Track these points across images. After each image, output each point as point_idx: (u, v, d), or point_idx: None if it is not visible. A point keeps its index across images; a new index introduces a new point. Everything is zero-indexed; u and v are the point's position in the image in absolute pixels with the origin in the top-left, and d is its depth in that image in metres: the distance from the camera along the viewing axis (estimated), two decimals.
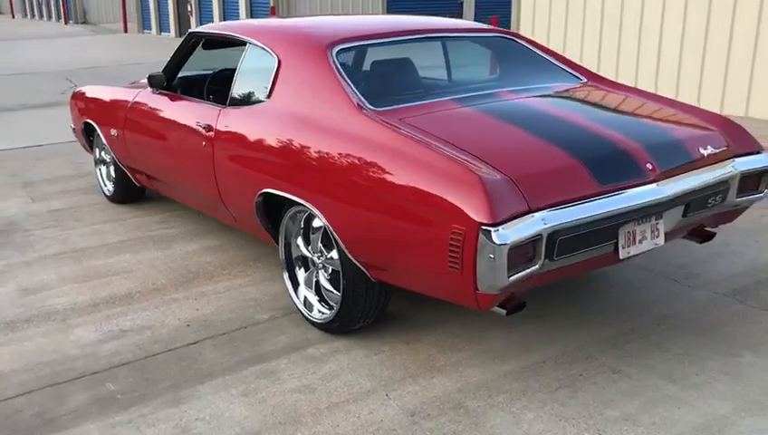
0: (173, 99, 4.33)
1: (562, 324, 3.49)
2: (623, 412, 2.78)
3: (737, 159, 3.24)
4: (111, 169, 5.38)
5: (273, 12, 16.33)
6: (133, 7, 25.21)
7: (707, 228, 3.47)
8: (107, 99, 5.12)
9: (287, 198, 3.29)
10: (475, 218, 2.45)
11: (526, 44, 4.00)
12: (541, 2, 10.72)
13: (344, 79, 3.20)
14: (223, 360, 3.22)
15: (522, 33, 11.02)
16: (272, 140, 3.36)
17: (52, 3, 35.57)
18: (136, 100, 4.68)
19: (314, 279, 3.44)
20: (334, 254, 3.20)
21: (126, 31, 26.07)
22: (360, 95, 3.14)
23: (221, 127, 3.73)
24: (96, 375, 3.10)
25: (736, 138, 3.34)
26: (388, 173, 2.78)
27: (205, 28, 4.32)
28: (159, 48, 19.06)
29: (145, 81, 4.61)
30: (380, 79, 3.69)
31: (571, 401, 2.86)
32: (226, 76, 4.17)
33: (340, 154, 2.98)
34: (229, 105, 3.79)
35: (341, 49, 3.41)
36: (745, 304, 3.70)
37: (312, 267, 3.45)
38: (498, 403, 2.86)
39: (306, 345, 3.32)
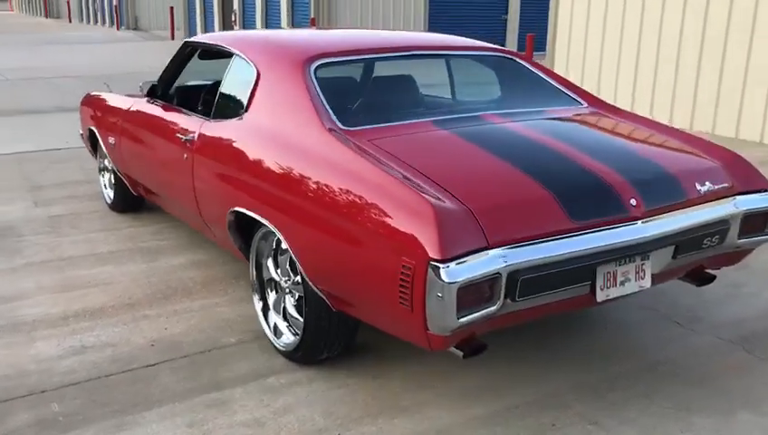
0: (165, 109, 4.23)
1: (546, 365, 3.25)
2: None
3: (740, 197, 2.97)
4: (111, 176, 5.32)
5: (312, 23, 16.33)
6: (181, 15, 25.61)
7: (708, 270, 3.20)
8: (107, 106, 5.07)
9: (254, 218, 3.13)
10: (425, 253, 2.25)
11: (526, 64, 3.78)
12: (577, 21, 10.45)
13: (316, 96, 3.04)
14: (177, 385, 3.06)
15: (557, 53, 10.77)
16: (243, 156, 3.22)
17: (106, 9, 36.43)
18: (131, 108, 4.61)
19: (282, 304, 3.27)
20: (299, 278, 3.03)
21: (173, 38, 26.46)
22: (331, 113, 2.97)
23: (200, 140, 3.61)
24: (44, 394, 2.98)
25: (741, 174, 3.07)
26: (343, 197, 2.60)
27: (199, 38, 4.22)
28: None
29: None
30: (360, 97, 3.52)
31: None
32: (217, 88, 4.06)
33: (300, 174, 2.81)
34: (212, 118, 3.67)
35: (322, 64, 3.25)
36: (752, 353, 3.40)
37: (280, 291, 3.29)
38: None
39: (268, 374, 3.15)
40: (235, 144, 3.31)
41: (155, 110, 4.29)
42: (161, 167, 4.14)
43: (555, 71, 10.81)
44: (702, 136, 3.53)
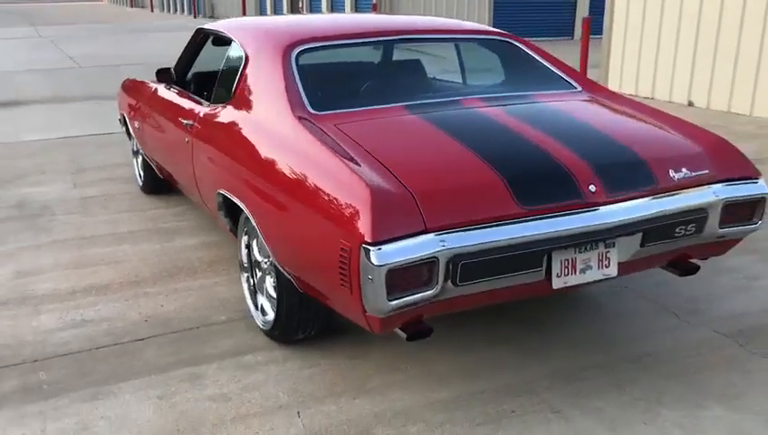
0: (179, 95, 4.36)
1: (527, 351, 3.22)
2: None
3: (720, 186, 2.86)
4: (142, 159, 5.54)
5: (374, 8, 16.37)
6: (253, 3, 26.11)
7: (693, 260, 3.09)
8: (134, 91, 5.26)
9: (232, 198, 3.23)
10: (359, 235, 2.28)
11: (522, 47, 3.72)
12: (634, 7, 10.10)
13: (292, 81, 3.09)
14: (159, 359, 3.19)
15: (613, 43, 10.45)
16: (226, 140, 3.31)
17: None
18: (152, 94, 4.78)
19: (264, 284, 3.36)
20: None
21: None
22: (304, 98, 3.02)
23: (198, 125, 3.73)
24: (36, 363, 3.17)
25: (726, 161, 2.95)
26: (298, 180, 2.65)
27: (210, 25, 4.33)
28: None
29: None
30: (340, 81, 3.55)
31: None
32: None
33: (267, 158, 2.88)
34: (210, 103, 3.78)
35: (305, 50, 3.30)
36: (745, 347, 3.27)
37: (262, 271, 3.37)
38: (408, 434, 2.66)
39: (247, 352, 3.24)
40: (221, 128, 3.41)
41: (168, 95, 4.44)
42: (171, 151, 4.29)
43: (611, 58, 10.51)
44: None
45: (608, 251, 2.69)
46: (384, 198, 2.34)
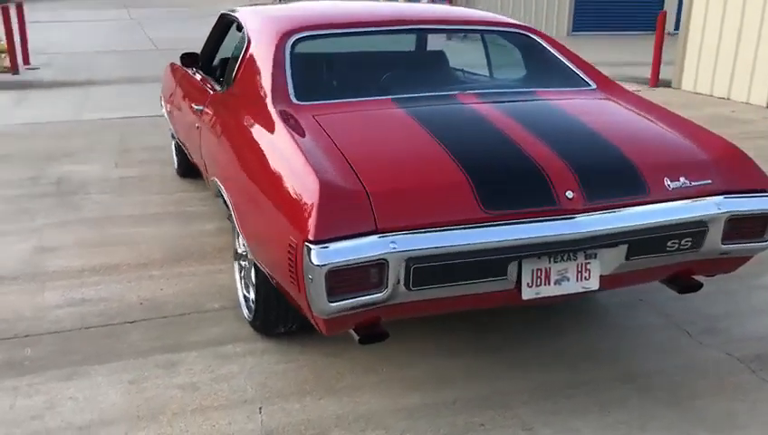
0: (201, 80, 4.37)
1: (512, 362, 3.07)
2: None
3: (724, 198, 2.61)
4: (174, 142, 5.61)
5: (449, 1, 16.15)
6: None
7: (695, 277, 2.85)
8: (171, 75, 5.33)
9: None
10: (303, 232, 2.19)
11: (541, 42, 3.51)
12: (713, 7, 9.54)
13: (280, 68, 3.02)
14: (143, 343, 3.21)
15: (689, 40, 9.90)
16: (220, 126, 3.28)
17: None
18: (180, 78, 4.82)
19: (250, 275, 3.32)
20: None
21: None
22: (290, 87, 2.95)
23: (206, 110, 3.72)
24: (26, 338, 3.23)
25: (736, 171, 2.70)
26: (264, 170, 2.59)
27: (230, 10, 4.31)
28: None
29: None
30: (334, 71, 3.45)
31: None
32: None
33: (243, 145, 2.84)
34: (219, 90, 3.76)
35: (302, 38, 3.22)
36: (757, 374, 3.01)
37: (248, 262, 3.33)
38: None
39: (228, 342, 3.21)
40: (218, 115, 3.39)
41: (191, 80, 4.46)
42: (188, 136, 4.31)
43: (687, 55, 9.98)
44: None
45: (588, 262, 2.50)
46: (333, 195, 2.24)
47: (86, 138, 7.06)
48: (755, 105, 8.94)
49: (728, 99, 9.31)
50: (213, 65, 4.48)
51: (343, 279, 2.18)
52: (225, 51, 4.49)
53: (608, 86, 3.35)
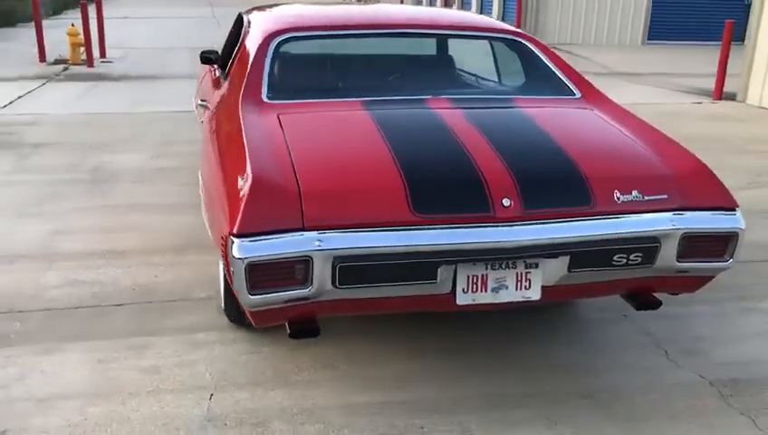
0: (216, 78, 4.52)
1: (472, 367, 3.06)
2: None
3: (679, 214, 2.53)
4: None
5: (519, 3, 15.96)
6: None
7: (655, 295, 2.77)
8: (199, 72, 5.51)
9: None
10: (231, 225, 2.26)
11: (531, 47, 3.47)
12: None
13: (259, 67, 3.11)
14: (122, 326, 3.36)
15: (758, 51, 9.49)
16: (207, 122, 3.40)
17: None
18: (204, 75, 4.99)
19: None
20: None
21: None
22: (264, 85, 3.04)
23: (207, 105, 3.86)
24: (19, 314, 3.44)
25: (698, 187, 2.61)
26: (218, 164, 2.69)
27: (247, 10, 4.44)
28: None
29: None
30: (310, 72, 3.50)
31: None
32: None
33: (211, 139, 2.94)
34: (222, 87, 3.89)
35: (288, 38, 3.30)
36: (726, 399, 2.90)
37: None
38: (295, 431, 2.62)
39: (203, 329, 3.32)
40: (210, 110, 3.51)
41: (212, 78, 4.61)
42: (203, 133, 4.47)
43: (754, 67, 9.58)
44: None
45: (528, 272, 2.48)
46: (262, 191, 2.31)
47: (134, 129, 7.37)
48: None
49: None
50: (226, 63, 4.62)
51: (265, 273, 2.24)
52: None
53: (592, 96, 3.28)
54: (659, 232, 2.50)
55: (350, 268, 2.30)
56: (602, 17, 16.92)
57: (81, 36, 11.97)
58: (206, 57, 4.60)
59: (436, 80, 3.48)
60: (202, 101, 4.07)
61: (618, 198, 2.50)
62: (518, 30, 3.53)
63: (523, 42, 3.49)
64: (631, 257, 2.50)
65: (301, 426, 2.66)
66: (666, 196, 2.55)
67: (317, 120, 2.88)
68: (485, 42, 3.53)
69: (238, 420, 2.69)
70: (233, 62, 3.48)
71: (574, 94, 3.29)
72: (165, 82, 10.53)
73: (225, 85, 3.48)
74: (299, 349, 3.17)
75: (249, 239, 2.22)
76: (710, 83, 10.52)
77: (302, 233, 2.27)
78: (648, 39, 17.19)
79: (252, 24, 3.65)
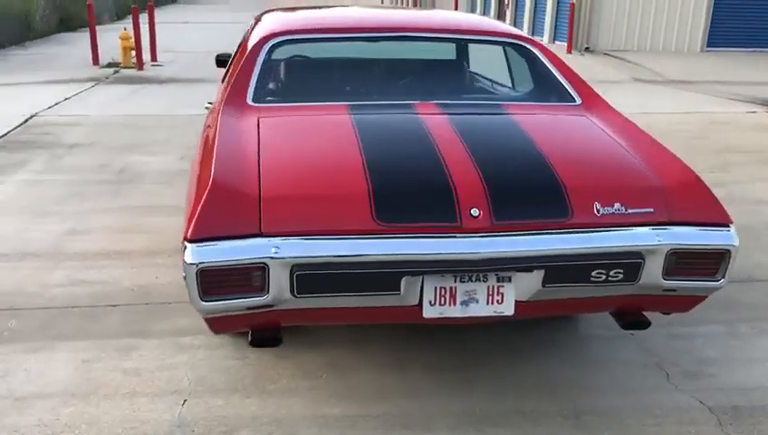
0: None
1: (458, 382, 2.96)
2: None
3: (665, 229, 2.38)
4: None
5: (572, 8, 15.64)
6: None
7: (644, 313, 2.62)
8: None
9: None
10: (186, 231, 2.23)
11: (535, 51, 3.34)
12: None
13: (249, 70, 3.08)
14: (114, 326, 3.37)
15: None
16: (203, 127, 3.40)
17: None
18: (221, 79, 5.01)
19: None
20: None
21: None
22: (251, 88, 3.01)
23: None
24: (17, 311, 3.49)
25: (689, 201, 2.45)
26: (194, 168, 2.67)
27: (259, 14, 4.43)
28: None
29: None
30: (301, 75, 3.45)
31: None
32: None
33: (198, 143, 2.93)
34: None
35: (283, 41, 3.26)
36: (724, 428, 2.73)
37: None
38: None
39: (191, 333, 3.30)
40: (206, 115, 3.51)
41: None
42: None
43: None
44: None
45: (501, 286, 2.37)
46: (219, 197, 2.27)
47: (167, 131, 7.47)
48: None
49: None
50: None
51: (218, 280, 2.19)
52: None
53: (593, 103, 3.13)
54: (643, 247, 2.36)
55: (308, 277, 2.23)
56: (659, 23, 16.43)
57: (132, 40, 12.27)
58: (220, 60, 4.63)
59: (429, 85, 3.39)
60: (209, 103, 4.07)
61: (597, 211, 2.37)
62: (521, 34, 3.41)
63: (527, 46, 3.36)
64: (611, 274, 2.36)
65: None
66: (652, 209, 2.40)
67: (297, 124, 2.83)
68: (486, 46, 3.42)
69: (207, 427, 2.65)
70: (229, 66, 3.47)
71: (575, 101, 3.15)
72: (206, 86, 10.62)
73: (221, 88, 3.47)
74: (284, 357, 3.12)
75: (202, 244, 2.18)
76: None
77: (258, 239, 2.22)
78: (708, 45, 16.60)
79: (254, 27, 3.63)
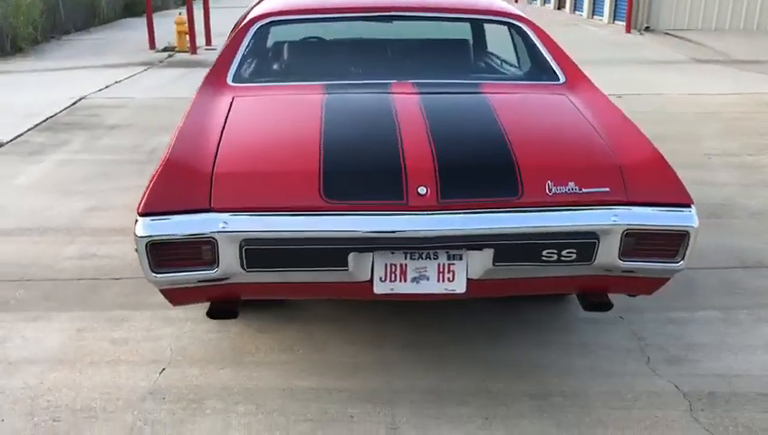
0: None
1: (430, 360, 2.98)
2: None
3: (624, 209, 2.33)
4: None
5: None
6: None
7: (608, 295, 2.57)
8: None
9: None
10: (138, 205, 2.32)
11: (525, 29, 3.28)
12: None
13: (233, 50, 3.15)
14: (113, 298, 3.52)
15: None
16: None
17: None
18: None
19: None
20: None
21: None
22: (232, 68, 3.08)
23: None
24: (27, 282, 3.68)
25: (649, 181, 2.39)
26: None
27: None
28: None
29: None
30: (286, 56, 3.46)
31: None
32: None
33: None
34: None
35: (270, 22, 3.31)
36: (693, 413, 2.67)
37: None
38: (227, 410, 2.65)
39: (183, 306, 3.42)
40: None
41: None
42: None
43: None
44: None
45: (452, 264, 2.37)
46: (171, 172, 2.34)
47: None
48: None
49: None
50: None
51: (168, 253, 2.28)
52: None
53: (576, 82, 3.07)
54: (596, 227, 2.32)
55: (257, 251, 2.29)
56: (725, 0, 15.78)
57: (186, 25, 12.58)
58: None
59: (410, 64, 3.38)
60: None
61: (549, 190, 2.34)
62: (512, 11, 3.35)
63: (517, 23, 3.31)
64: (563, 253, 2.34)
65: (234, 406, 2.70)
66: (608, 189, 2.35)
67: (269, 104, 2.88)
68: (475, 24, 3.39)
69: (178, 395, 2.76)
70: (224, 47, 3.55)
71: (558, 79, 3.09)
72: None
73: None
74: (268, 332, 3.20)
75: (151, 218, 2.26)
76: None
77: (208, 214, 2.29)
78: None
79: (252, 8, 3.70)
